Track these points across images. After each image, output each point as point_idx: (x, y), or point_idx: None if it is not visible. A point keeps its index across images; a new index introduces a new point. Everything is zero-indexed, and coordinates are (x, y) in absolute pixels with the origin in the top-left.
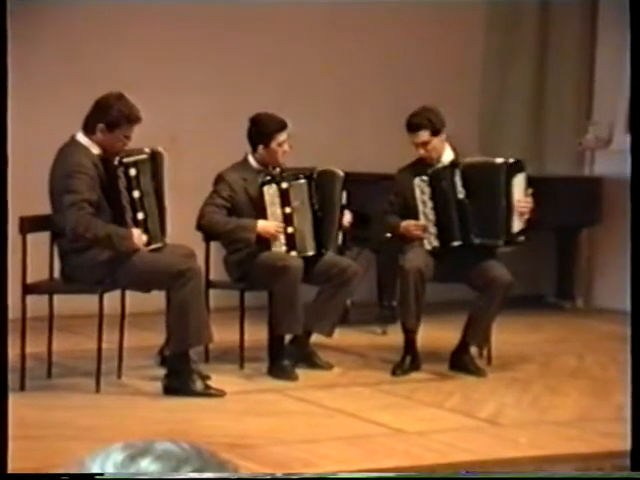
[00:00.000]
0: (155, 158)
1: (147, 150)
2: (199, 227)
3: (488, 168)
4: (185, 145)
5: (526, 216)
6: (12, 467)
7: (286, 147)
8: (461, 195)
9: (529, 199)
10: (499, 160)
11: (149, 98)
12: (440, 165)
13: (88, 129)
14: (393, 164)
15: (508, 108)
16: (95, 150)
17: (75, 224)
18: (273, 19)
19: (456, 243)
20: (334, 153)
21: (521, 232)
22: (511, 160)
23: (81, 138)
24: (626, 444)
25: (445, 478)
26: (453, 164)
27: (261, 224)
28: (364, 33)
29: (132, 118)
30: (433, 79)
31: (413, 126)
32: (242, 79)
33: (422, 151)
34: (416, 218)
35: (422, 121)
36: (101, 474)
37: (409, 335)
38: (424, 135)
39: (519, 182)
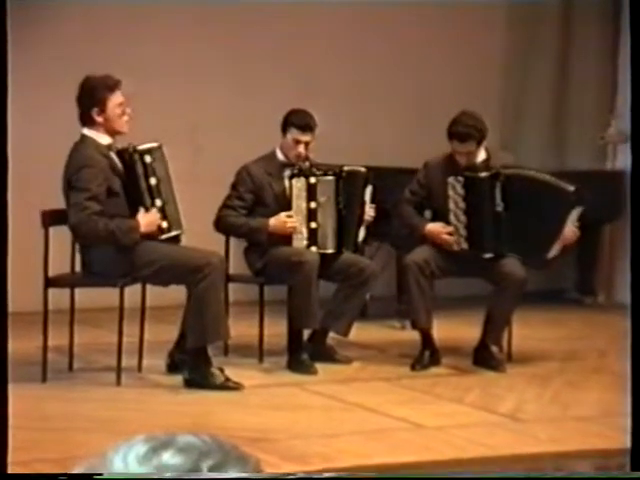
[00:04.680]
0: (162, 149)
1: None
2: (217, 229)
3: (551, 190)
4: (205, 138)
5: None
6: (33, 458)
7: (301, 149)
8: (499, 208)
9: (576, 230)
10: (570, 187)
11: (168, 90)
12: (482, 174)
13: (86, 121)
14: (413, 158)
15: (530, 102)
16: (103, 140)
17: (77, 224)
18: (294, 14)
19: (487, 255)
20: (353, 147)
21: (554, 259)
22: (578, 190)
23: (87, 132)
24: None
25: (467, 479)
26: (494, 175)
27: (272, 223)
28: (384, 28)
29: (111, 83)
30: (454, 74)
31: (462, 136)
32: (262, 73)
33: (464, 160)
34: (444, 215)
35: (471, 132)
36: (101, 474)
37: (422, 331)
38: (471, 146)
39: (573, 216)
